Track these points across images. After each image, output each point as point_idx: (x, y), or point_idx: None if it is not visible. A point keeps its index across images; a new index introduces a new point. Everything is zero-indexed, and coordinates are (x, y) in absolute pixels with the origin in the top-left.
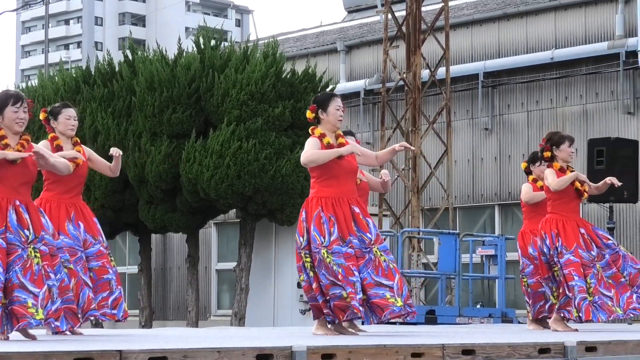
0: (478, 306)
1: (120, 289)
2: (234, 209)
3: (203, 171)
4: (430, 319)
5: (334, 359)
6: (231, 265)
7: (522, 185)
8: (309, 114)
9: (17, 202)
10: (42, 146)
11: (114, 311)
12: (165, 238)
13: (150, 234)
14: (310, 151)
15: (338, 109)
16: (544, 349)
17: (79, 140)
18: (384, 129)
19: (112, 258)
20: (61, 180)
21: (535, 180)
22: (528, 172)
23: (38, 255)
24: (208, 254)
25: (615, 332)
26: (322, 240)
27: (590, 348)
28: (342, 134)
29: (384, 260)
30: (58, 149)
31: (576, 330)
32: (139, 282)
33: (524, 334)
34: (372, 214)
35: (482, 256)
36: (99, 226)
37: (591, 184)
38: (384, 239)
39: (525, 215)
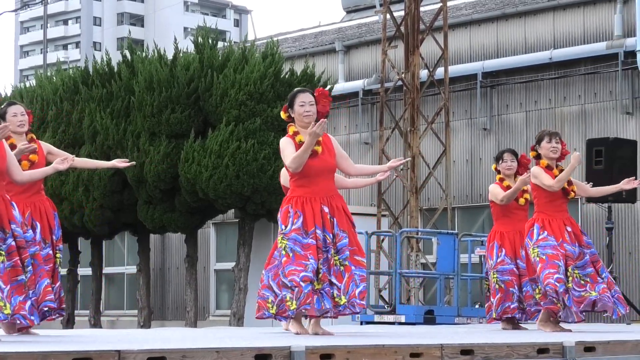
0: (477, 306)
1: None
2: (233, 209)
3: (202, 171)
4: (429, 319)
5: (333, 359)
6: (230, 265)
7: (489, 187)
8: (282, 115)
9: None
10: None
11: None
12: (164, 238)
13: (148, 234)
14: (290, 156)
15: (303, 105)
16: (542, 349)
17: (34, 137)
18: (383, 129)
19: (60, 261)
20: None
21: (501, 180)
22: (498, 171)
23: (3, 253)
24: (207, 254)
25: (614, 332)
26: (282, 228)
27: (589, 348)
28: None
29: (335, 264)
30: (12, 147)
31: (570, 330)
32: (138, 282)
33: (523, 334)
34: (370, 214)
35: (480, 256)
36: (57, 224)
37: (588, 188)
38: (342, 238)
39: (494, 217)
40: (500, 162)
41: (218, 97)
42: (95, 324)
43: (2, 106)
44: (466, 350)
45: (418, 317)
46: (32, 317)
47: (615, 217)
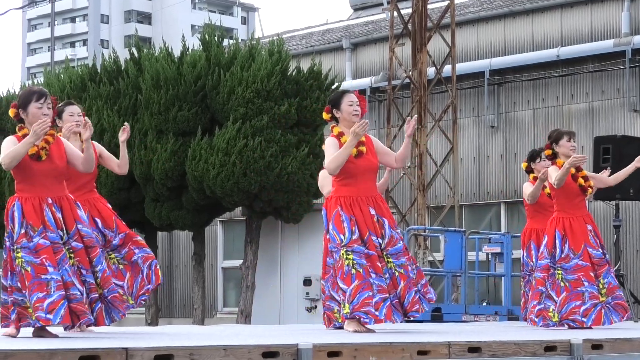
0: (484, 304)
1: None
2: (240, 207)
3: (209, 169)
4: (436, 316)
5: (340, 357)
6: (237, 262)
7: (524, 185)
8: (325, 116)
9: (50, 201)
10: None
11: (149, 286)
12: (172, 236)
13: (156, 231)
14: (329, 158)
15: (351, 104)
16: (550, 347)
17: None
18: (390, 126)
19: (140, 238)
20: (72, 177)
21: (535, 179)
22: (529, 171)
23: (72, 255)
24: (214, 252)
25: (621, 329)
26: (342, 239)
27: (597, 346)
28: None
29: (390, 267)
30: None
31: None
32: None
33: (530, 331)
34: None
35: (488, 254)
36: (115, 216)
37: (605, 178)
38: (398, 240)
39: (528, 214)
40: (539, 160)
41: (225, 94)
42: None
43: (60, 104)
44: (473, 348)
45: (425, 315)
46: (88, 319)
47: (622, 215)
